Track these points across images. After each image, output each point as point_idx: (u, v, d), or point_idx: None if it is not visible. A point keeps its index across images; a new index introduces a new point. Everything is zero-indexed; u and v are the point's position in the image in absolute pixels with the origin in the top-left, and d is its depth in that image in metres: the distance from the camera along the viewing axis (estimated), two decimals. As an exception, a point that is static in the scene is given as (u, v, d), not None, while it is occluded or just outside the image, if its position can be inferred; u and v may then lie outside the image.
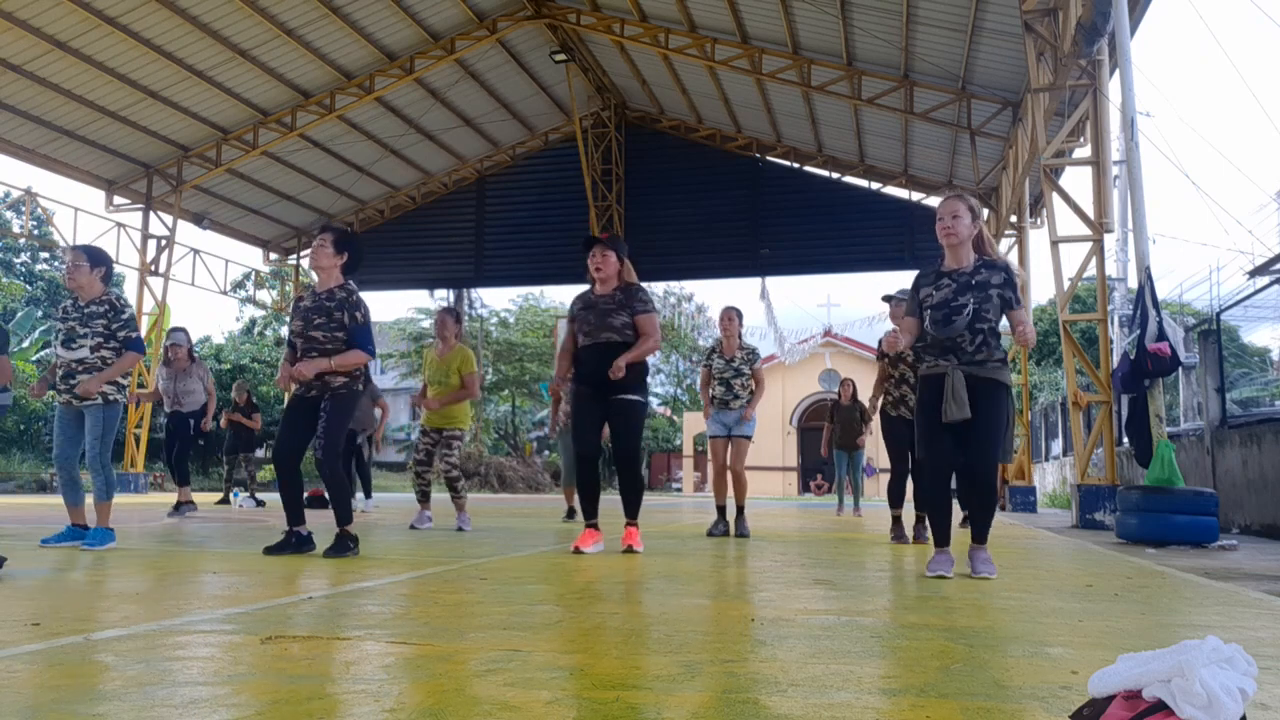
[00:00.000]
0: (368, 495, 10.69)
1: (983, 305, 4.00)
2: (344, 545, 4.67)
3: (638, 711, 1.63)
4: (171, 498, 9.27)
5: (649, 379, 5.52)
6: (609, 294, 5.19)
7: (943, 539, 4.21)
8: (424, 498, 7.43)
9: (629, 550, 5.07)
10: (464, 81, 17.64)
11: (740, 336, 7.15)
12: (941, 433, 4.06)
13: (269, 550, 4.71)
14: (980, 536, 4.19)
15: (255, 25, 14.44)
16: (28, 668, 1.93)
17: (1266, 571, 4.76)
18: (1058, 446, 19.00)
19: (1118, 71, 8.63)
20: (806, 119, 17.52)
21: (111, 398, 4.97)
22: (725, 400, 7.02)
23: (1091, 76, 9.74)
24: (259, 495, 12.05)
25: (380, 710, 1.62)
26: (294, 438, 4.79)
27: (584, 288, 5.38)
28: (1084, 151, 10.59)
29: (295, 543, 4.75)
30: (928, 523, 4.39)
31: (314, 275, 4.97)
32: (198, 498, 14.17)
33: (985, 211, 4.06)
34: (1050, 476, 19.14)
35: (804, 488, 30.57)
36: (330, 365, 4.68)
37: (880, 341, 6.58)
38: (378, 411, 10.62)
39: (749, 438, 7.09)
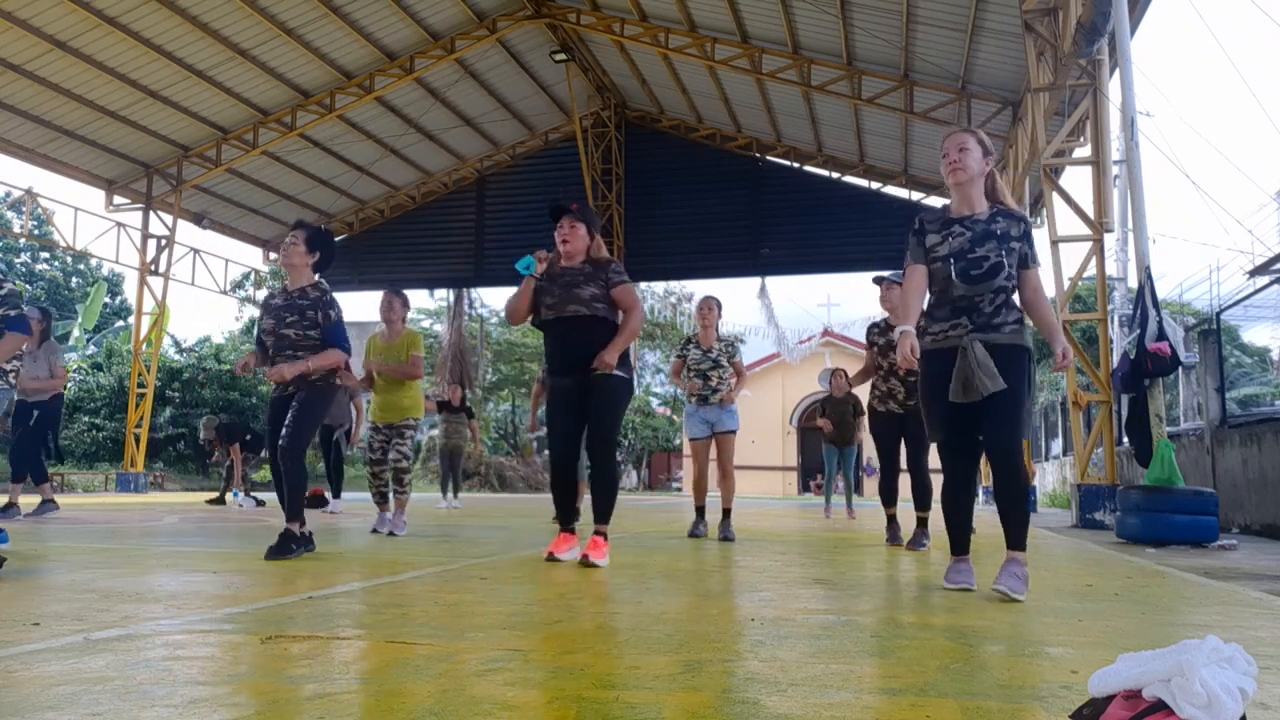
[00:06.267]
0: (336, 495, 10.17)
1: (1008, 259, 3.42)
2: (287, 546, 4.44)
3: (638, 711, 1.63)
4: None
5: (631, 358, 4.77)
6: (574, 266, 4.60)
7: (961, 546, 3.62)
8: (383, 499, 6.80)
9: (585, 563, 4.24)
10: (464, 81, 17.64)
11: (718, 328, 6.72)
12: (958, 418, 3.48)
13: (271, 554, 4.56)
14: (1017, 540, 3.42)
15: (255, 25, 14.44)
16: (28, 668, 1.93)
17: (1266, 571, 4.76)
18: (1058, 446, 19.01)
19: (1118, 71, 8.63)
20: (806, 119, 17.52)
21: None
22: (704, 395, 6.57)
23: (1091, 76, 9.75)
24: (258, 495, 12.04)
25: (380, 710, 1.62)
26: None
27: None
28: (1084, 151, 10.59)
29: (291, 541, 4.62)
30: (945, 529, 3.69)
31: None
32: (198, 497, 14.16)
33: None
34: (1050, 476, 19.14)
35: (804, 488, 30.58)
36: (309, 367, 4.59)
37: (869, 330, 6.20)
38: (353, 410, 10.21)
39: (734, 432, 6.58)
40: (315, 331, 4.67)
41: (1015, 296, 3.53)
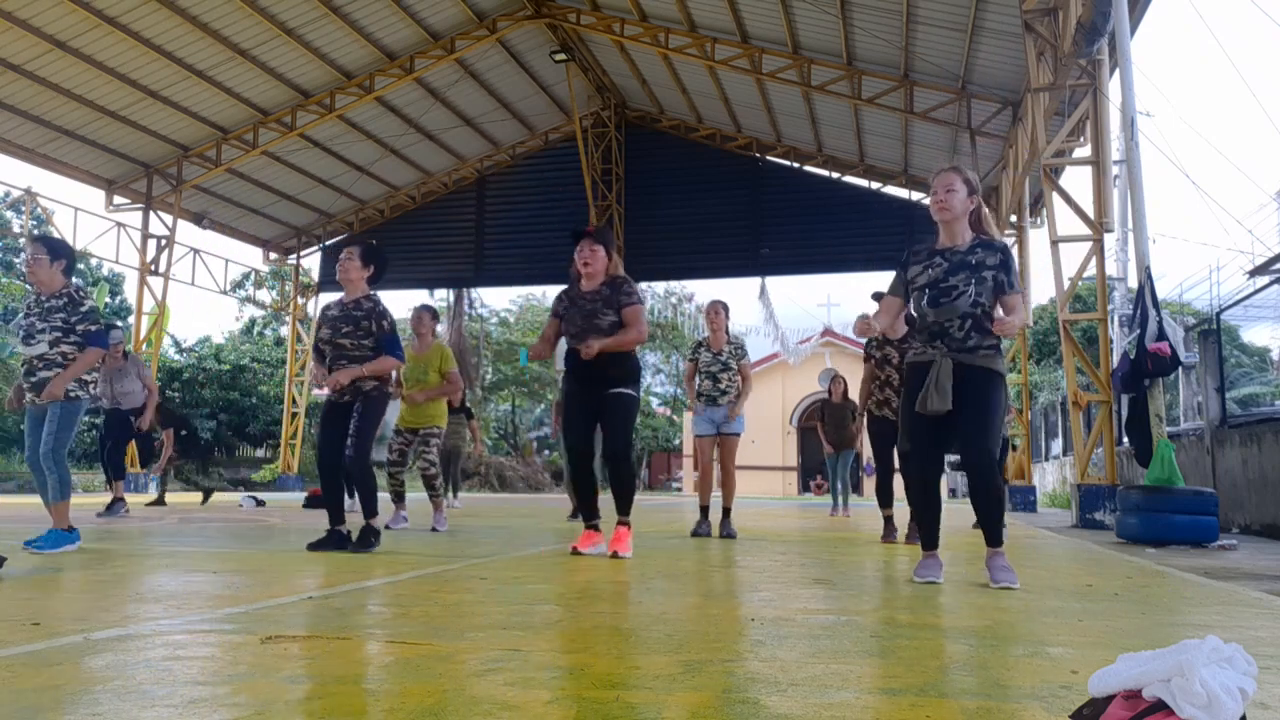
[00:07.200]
0: (349, 495, 10.55)
1: (976, 288, 3.71)
2: (367, 540, 4.97)
3: (637, 711, 1.63)
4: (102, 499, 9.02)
5: (642, 375, 5.27)
6: (595, 290, 4.90)
7: (930, 542, 3.91)
8: (399, 498, 7.34)
9: (615, 556, 4.67)
10: (464, 81, 17.63)
11: (727, 330, 7.04)
12: (925, 426, 3.79)
13: (312, 546, 4.98)
14: (993, 539, 3.81)
15: (255, 25, 14.43)
16: (28, 668, 1.93)
17: (1266, 571, 4.76)
18: (1058, 446, 19.01)
19: (1118, 71, 8.63)
20: (806, 119, 17.51)
21: (73, 394, 4.78)
22: (713, 396, 6.90)
23: (1091, 76, 9.74)
24: (258, 495, 12.04)
25: (380, 710, 1.62)
26: (334, 443, 5.09)
27: None
28: (1084, 151, 10.59)
29: (336, 540, 5.02)
30: (917, 528, 3.98)
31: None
32: (197, 498, 14.14)
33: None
34: (1050, 476, 19.14)
35: (804, 487, 30.57)
36: (363, 372, 4.97)
37: (867, 343, 6.56)
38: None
39: (738, 434, 6.96)
40: (368, 341, 5.04)
41: (993, 323, 3.75)
